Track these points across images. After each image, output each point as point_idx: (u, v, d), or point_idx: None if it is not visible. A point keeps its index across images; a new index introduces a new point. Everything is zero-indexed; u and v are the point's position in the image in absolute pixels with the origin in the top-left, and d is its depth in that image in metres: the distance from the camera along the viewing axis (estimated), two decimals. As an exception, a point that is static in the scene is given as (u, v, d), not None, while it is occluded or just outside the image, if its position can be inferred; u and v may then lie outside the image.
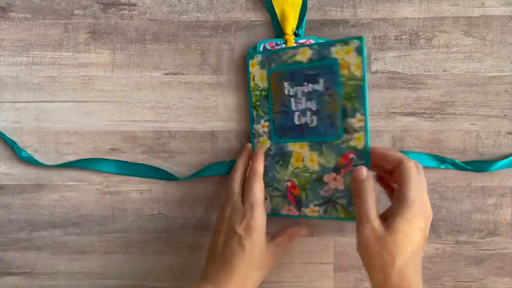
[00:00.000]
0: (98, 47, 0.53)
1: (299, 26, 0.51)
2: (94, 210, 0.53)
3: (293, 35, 0.50)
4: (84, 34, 0.53)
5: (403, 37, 0.51)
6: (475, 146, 0.52)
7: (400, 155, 0.44)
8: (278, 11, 0.50)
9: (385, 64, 0.52)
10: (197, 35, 0.52)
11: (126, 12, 0.52)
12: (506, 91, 0.51)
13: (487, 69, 0.51)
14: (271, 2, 0.51)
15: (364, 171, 0.43)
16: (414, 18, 0.51)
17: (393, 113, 0.52)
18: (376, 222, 0.41)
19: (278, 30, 0.51)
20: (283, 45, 0.50)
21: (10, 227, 0.53)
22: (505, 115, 0.51)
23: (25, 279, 0.54)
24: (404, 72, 0.52)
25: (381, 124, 0.52)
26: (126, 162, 0.53)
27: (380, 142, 0.52)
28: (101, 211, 0.53)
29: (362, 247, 0.42)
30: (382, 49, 0.52)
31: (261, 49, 0.50)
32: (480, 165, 0.51)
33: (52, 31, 0.53)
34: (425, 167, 0.48)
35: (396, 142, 0.52)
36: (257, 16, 0.52)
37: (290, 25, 0.50)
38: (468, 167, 0.51)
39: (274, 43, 0.50)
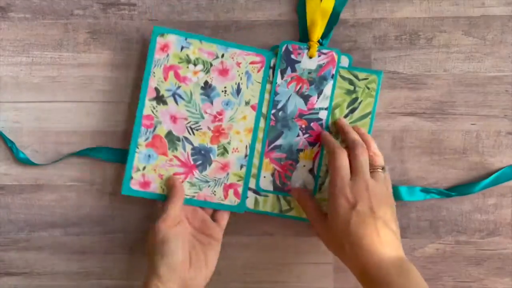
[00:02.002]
0: (98, 47, 0.52)
1: (324, 36, 0.50)
2: (94, 210, 0.53)
3: (318, 43, 0.50)
4: (84, 34, 0.52)
5: (403, 37, 0.51)
6: (475, 146, 0.52)
7: (350, 138, 0.47)
8: (308, 17, 0.50)
9: (385, 64, 0.52)
10: (197, 35, 0.52)
11: (126, 12, 0.52)
12: (506, 91, 0.51)
13: (487, 69, 0.51)
14: (304, 6, 0.50)
15: None
16: (414, 18, 0.51)
17: (393, 113, 0.52)
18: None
19: (303, 35, 0.50)
20: (306, 51, 0.49)
21: (9, 227, 0.53)
22: (505, 115, 0.51)
23: (24, 279, 0.54)
24: (404, 72, 0.52)
25: (381, 124, 0.52)
26: (120, 149, 0.52)
27: (380, 142, 0.51)
28: (101, 211, 0.53)
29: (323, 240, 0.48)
30: (382, 49, 0.52)
31: (283, 50, 0.49)
32: (464, 189, 0.51)
33: (52, 31, 0.53)
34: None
35: (396, 142, 0.52)
36: (257, 16, 0.52)
37: (316, 33, 0.49)
38: (453, 193, 0.51)
39: (297, 46, 0.49)
